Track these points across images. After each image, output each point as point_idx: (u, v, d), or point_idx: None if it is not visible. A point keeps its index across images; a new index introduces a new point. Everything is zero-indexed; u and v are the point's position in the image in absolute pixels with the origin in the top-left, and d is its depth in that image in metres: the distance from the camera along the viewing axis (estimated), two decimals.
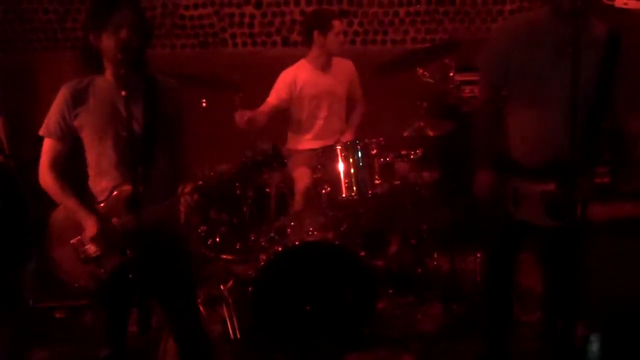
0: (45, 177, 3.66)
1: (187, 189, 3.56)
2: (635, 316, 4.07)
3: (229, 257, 5.16)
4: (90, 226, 3.56)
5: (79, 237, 3.60)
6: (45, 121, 3.64)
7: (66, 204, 3.64)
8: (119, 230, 3.56)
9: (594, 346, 3.95)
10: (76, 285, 3.66)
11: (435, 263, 5.63)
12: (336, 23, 5.70)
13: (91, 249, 3.58)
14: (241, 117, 5.40)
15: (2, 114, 6.42)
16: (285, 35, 7.24)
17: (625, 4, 5.31)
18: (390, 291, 5.36)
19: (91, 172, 3.69)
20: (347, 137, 5.82)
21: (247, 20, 7.20)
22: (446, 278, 5.44)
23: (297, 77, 5.81)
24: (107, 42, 3.45)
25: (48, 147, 3.66)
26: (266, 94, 5.86)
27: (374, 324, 4.83)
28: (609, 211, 4.44)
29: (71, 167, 3.73)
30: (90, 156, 3.67)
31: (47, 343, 4.89)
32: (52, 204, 3.70)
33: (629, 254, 4.50)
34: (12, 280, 4.97)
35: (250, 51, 7.24)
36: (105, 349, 3.76)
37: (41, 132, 3.65)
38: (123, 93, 3.34)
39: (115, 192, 3.58)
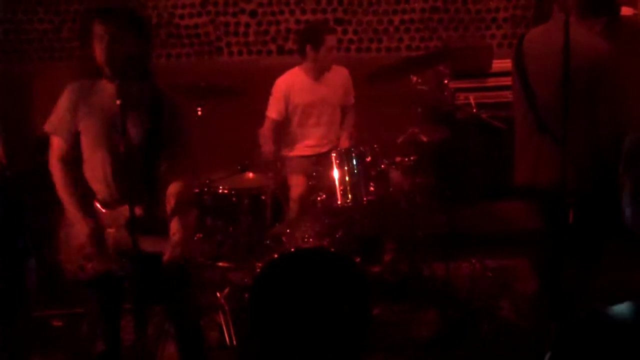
0: (53, 170, 3.71)
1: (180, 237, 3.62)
2: None
3: (225, 264, 5.17)
4: (81, 231, 3.61)
5: None
6: (51, 118, 3.69)
7: (65, 203, 3.67)
8: (112, 242, 3.61)
9: None
10: (66, 266, 3.73)
11: (430, 269, 5.64)
12: (329, 38, 5.74)
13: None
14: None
15: None
16: (280, 43, 7.27)
17: None
18: (386, 297, 5.35)
19: (88, 176, 3.71)
20: (343, 143, 5.86)
21: (242, 29, 7.23)
22: (441, 284, 5.45)
23: (291, 85, 5.85)
24: (95, 52, 3.49)
25: (55, 144, 3.71)
26: (262, 102, 5.89)
27: (369, 330, 4.84)
28: None
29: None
30: (86, 161, 3.69)
31: (44, 351, 4.90)
32: (49, 212, 3.74)
33: None
34: (11, 287, 4.98)
35: (245, 60, 7.27)
36: (101, 344, 3.81)
37: (46, 128, 3.70)
38: (118, 102, 3.34)
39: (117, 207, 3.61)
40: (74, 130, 3.65)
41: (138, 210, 3.49)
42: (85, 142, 3.66)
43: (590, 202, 3.90)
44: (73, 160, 3.71)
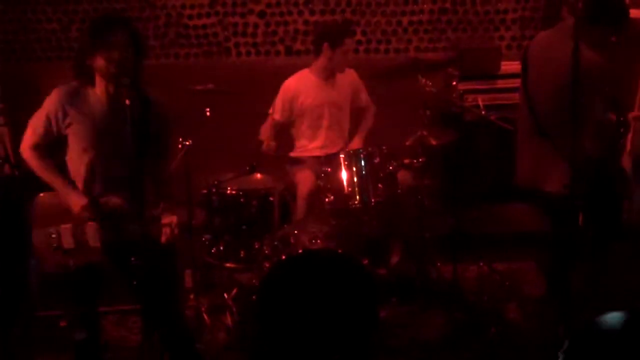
0: (26, 156, 3.84)
1: (170, 220, 3.70)
2: None
3: (233, 265, 5.17)
4: (76, 202, 3.70)
5: (55, 227, 3.73)
6: (35, 116, 3.80)
7: (51, 182, 3.77)
8: (93, 234, 3.71)
9: None
10: (45, 266, 3.82)
11: (437, 271, 5.63)
12: (348, 41, 5.70)
13: (66, 240, 3.72)
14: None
15: (7, 124, 6.44)
16: (288, 44, 7.26)
17: None
18: (393, 299, 5.35)
19: (70, 169, 3.85)
20: (355, 143, 5.86)
21: (250, 29, 7.23)
22: (449, 286, 5.44)
23: (298, 88, 5.82)
24: (101, 62, 3.58)
25: (29, 136, 3.82)
26: (270, 103, 5.87)
27: (376, 332, 4.83)
28: None
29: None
30: (72, 162, 3.82)
31: (50, 351, 4.89)
32: None
33: None
34: (13, 286, 4.99)
35: (253, 60, 7.27)
36: (80, 332, 3.86)
37: (29, 122, 3.82)
38: (127, 102, 3.42)
39: (103, 199, 3.68)
40: (56, 134, 3.77)
41: (121, 202, 3.65)
42: (73, 145, 3.78)
43: (589, 204, 3.92)
44: (47, 149, 3.83)
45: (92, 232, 3.72)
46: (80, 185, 3.78)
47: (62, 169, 3.84)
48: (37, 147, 3.81)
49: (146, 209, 3.70)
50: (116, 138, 3.64)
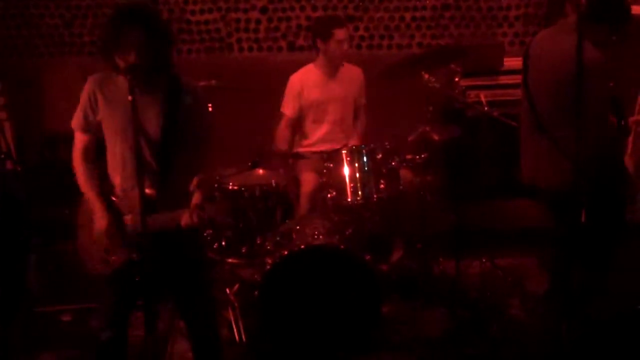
0: (75, 166, 3.80)
1: (193, 203, 3.66)
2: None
3: (235, 260, 5.16)
4: (100, 222, 3.67)
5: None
6: (75, 114, 3.77)
7: (86, 195, 3.75)
8: (130, 229, 3.67)
9: None
10: (89, 265, 3.80)
11: (440, 267, 5.63)
12: (337, 32, 5.67)
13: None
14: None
15: (9, 119, 6.44)
16: (290, 40, 7.25)
17: None
18: (395, 295, 5.35)
19: (109, 165, 3.81)
20: (353, 143, 5.84)
21: (253, 25, 7.22)
22: (451, 282, 5.44)
23: (304, 82, 5.83)
24: (119, 63, 3.53)
25: (77, 138, 3.81)
26: (272, 98, 5.87)
27: (379, 328, 4.83)
28: None
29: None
30: (108, 151, 3.80)
31: (53, 347, 4.89)
32: (56, 207, 3.77)
33: None
34: (11, 283, 4.99)
35: (256, 56, 7.25)
36: (106, 332, 3.83)
37: (72, 124, 3.79)
38: (129, 98, 3.38)
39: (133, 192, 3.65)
40: (95, 123, 3.75)
41: (150, 191, 3.54)
42: (106, 133, 3.76)
43: (591, 202, 3.92)
44: (95, 154, 3.83)
45: (129, 225, 3.71)
46: (117, 177, 3.77)
47: (102, 166, 3.83)
48: (85, 156, 3.79)
49: (180, 201, 3.70)
50: (146, 127, 3.63)
